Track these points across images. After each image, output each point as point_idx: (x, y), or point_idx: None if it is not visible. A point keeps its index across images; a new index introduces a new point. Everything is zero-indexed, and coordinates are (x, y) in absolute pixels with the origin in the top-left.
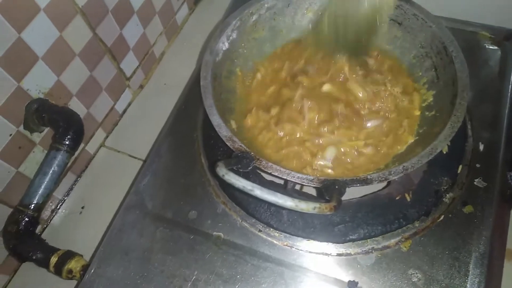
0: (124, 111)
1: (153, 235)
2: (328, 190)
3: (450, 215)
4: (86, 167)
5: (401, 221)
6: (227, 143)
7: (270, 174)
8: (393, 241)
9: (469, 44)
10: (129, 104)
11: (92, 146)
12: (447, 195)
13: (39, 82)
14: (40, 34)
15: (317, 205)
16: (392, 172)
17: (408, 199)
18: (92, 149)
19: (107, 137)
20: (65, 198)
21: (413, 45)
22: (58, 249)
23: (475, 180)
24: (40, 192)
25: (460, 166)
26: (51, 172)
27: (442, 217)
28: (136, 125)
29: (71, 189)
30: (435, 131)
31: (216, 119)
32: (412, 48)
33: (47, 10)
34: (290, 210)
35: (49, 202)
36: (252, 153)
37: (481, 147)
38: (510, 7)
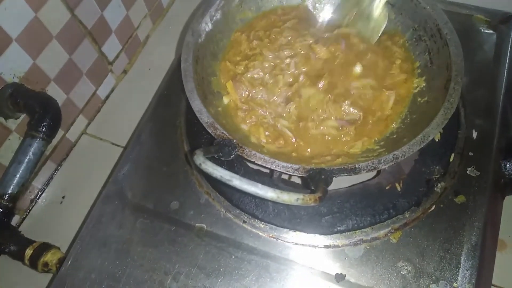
0: (107, 97)
1: (133, 226)
2: (314, 179)
3: (441, 205)
4: (67, 155)
5: (391, 212)
6: (208, 129)
7: (253, 163)
8: (382, 232)
9: (464, 28)
10: (112, 90)
11: (73, 133)
12: (439, 184)
13: (13, 65)
14: (13, 15)
15: (300, 196)
16: (382, 161)
17: (399, 188)
18: (73, 137)
19: (89, 124)
20: (45, 187)
21: (407, 27)
22: (34, 241)
23: (468, 169)
24: (15, 181)
25: (453, 155)
26: (26, 160)
27: (433, 208)
28: (120, 112)
29: (51, 178)
30: (427, 118)
31: (197, 105)
32: (406, 31)
33: None
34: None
35: (27, 191)
36: (234, 141)
37: (475, 134)
38: None
